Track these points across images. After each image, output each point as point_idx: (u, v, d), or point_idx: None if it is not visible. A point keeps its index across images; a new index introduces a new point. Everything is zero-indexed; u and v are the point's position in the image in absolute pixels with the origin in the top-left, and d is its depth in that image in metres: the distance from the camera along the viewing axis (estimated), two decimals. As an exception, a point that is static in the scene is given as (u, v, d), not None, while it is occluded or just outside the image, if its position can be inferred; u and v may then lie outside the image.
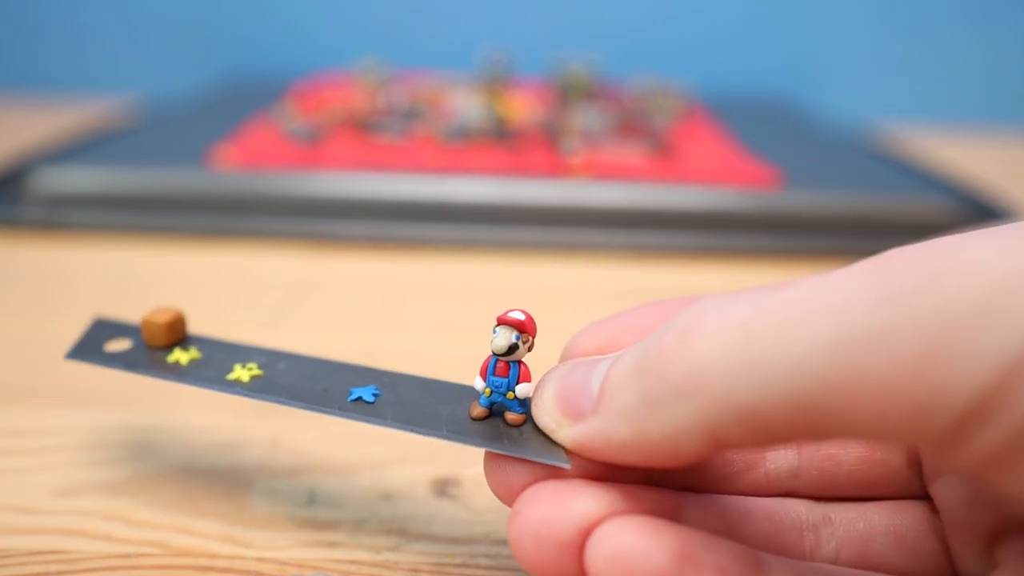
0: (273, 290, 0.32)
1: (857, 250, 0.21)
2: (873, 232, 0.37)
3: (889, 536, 0.15)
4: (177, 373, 0.17)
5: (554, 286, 0.34)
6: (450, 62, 0.63)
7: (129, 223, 0.37)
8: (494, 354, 0.15)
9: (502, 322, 0.15)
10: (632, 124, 0.47)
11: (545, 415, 0.14)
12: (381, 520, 0.19)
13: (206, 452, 0.21)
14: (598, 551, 0.12)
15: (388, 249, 0.37)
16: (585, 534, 0.13)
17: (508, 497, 0.14)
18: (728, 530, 0.14)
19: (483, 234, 0.37)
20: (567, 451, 0.14)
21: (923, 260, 0.11)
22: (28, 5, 0.67)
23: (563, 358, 0.16)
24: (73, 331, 0.20)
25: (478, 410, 0.15)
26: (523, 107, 0.50)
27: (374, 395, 0.16)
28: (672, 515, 0.14)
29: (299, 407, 0.16)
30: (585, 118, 0.46)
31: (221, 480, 0.20)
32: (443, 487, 0.20)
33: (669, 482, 0.15)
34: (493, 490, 0.14)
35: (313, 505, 0.19)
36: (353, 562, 0.18)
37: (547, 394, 0.14)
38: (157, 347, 0.18)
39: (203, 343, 0.18)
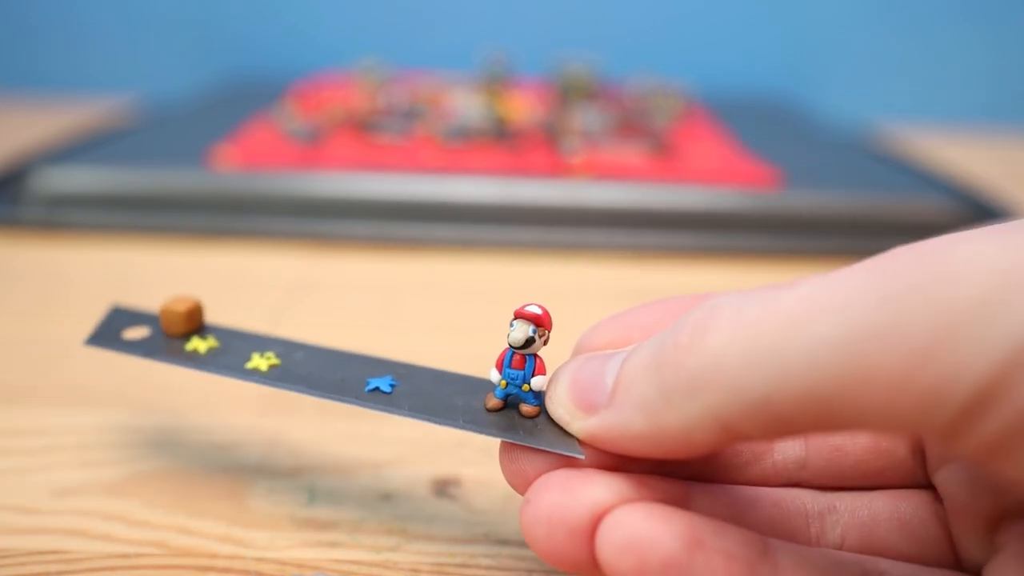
0: (273, 290, 0.32)
1: (857, 250, 0.21)
2: (873, 232, 0.37)
3: (893, 523, 0.15)
4: (196, 361, 0.17)
5: (554, 286, 0.34)
6: (450, 62, 0.63)
7: (129, 223, 0.37)
8: (511, 347, 0.15)
9: (519, 316, 0.15)
10: (632, 124, 0.47)
11: (559, 407, 0.14)
12: (381, 520, 0.19)
13: (206, 452, 0.21)
14: (609, 537, 0.13)
15: (388, 249, 0.37)
16: (596, 521, 0.13)
17: (523, 486, 0.14)
18: (736, 518, 0.15)
19: (483, 234, 0.37)
20: (581, 442, 0.14)
21: (924, 258, 0.11)
22: (28, 5, 0.67)
23: (575, 353, 0.16)
24: (73, 331, 0.20)
25: (493, 401, 0.15)
26: (523, 107, 0.50)
27: (391, 385, 0.16)
28: (681, 503, 0.14)
29: (318, 396, 0.16)
30: (585, 118, 0.46)
31: (221, 480, 0.20)
32: (443, 487, 0.20)
33: (678, 472, 0.15)
34: (508, 480, 0.15)
35: (313, 505, 0.19)
36: (353, 562, 0.18)
37: (561, 387, 0.14)
38: (175, 335, 0.18)
39: (221, 332, 0.18)
